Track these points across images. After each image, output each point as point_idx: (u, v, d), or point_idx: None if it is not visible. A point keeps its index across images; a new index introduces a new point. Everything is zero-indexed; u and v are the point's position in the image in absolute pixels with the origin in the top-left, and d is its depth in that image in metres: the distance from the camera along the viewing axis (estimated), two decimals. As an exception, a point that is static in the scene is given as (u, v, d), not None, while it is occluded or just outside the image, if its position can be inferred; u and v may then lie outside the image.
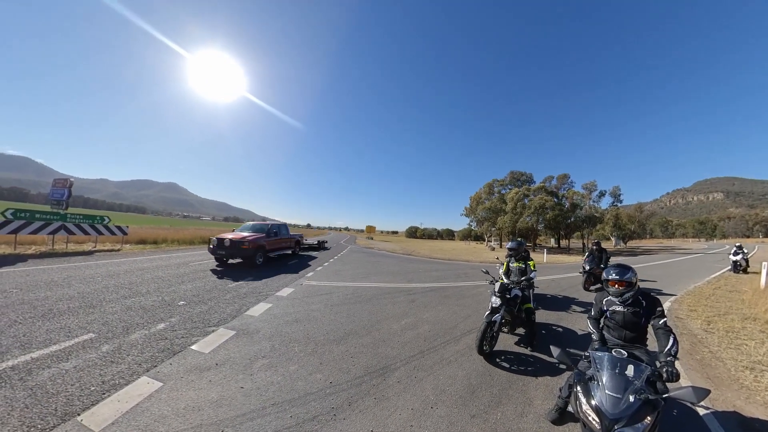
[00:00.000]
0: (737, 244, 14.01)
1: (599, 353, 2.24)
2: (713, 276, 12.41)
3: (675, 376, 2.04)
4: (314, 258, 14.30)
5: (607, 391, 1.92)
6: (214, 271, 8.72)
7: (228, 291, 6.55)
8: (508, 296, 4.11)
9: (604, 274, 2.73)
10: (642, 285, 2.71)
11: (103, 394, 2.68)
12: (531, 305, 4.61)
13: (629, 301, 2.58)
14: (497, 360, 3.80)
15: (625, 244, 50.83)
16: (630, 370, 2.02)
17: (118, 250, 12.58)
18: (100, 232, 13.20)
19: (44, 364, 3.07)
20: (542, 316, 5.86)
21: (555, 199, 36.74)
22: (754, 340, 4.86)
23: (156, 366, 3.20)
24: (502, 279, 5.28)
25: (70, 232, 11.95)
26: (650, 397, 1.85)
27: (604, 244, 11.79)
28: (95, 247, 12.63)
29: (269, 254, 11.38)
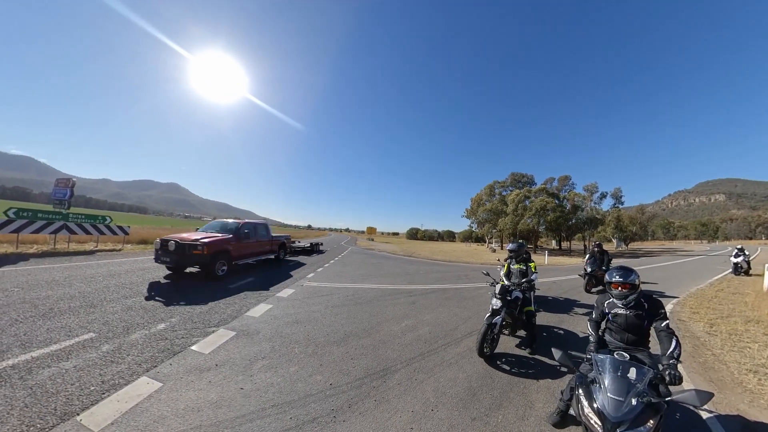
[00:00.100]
0: (738, 246, 13.91)
1: (601, 356, 2.23)
2: (716, 278, 12.33)
3: (678, 379, 2.02)
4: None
5: (609, 394, 1.91)
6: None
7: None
8: (509, 298, 4.09)
9: (606, 277, 2.71)
10: (643, 287, 2.70)
11: (103, 394, 2.68)
12: (532, 307, 4.59)
13: (632, 304, 2.57)
14: (498, 362, 3.78)
15: (627, 245, 50.65)
16: (632, 373, 2.00)
17: (120, 250, 12.61)
18: (101, 232, 13.23)
19: (44, 364, 3.06)
20: (543, 318, 5.83)
21: (556, 201, 36.65)
22: (757, 342, 4.83)
23: (156, 366, 3.20)
24: (502, 281, 5.27)
25: (71, 232, 11.99)
26: (653, 400, 1.83)
27: (606, 246, 11.74)
28: (97, 246, 12.66)
29: (237, 261, 8.98)
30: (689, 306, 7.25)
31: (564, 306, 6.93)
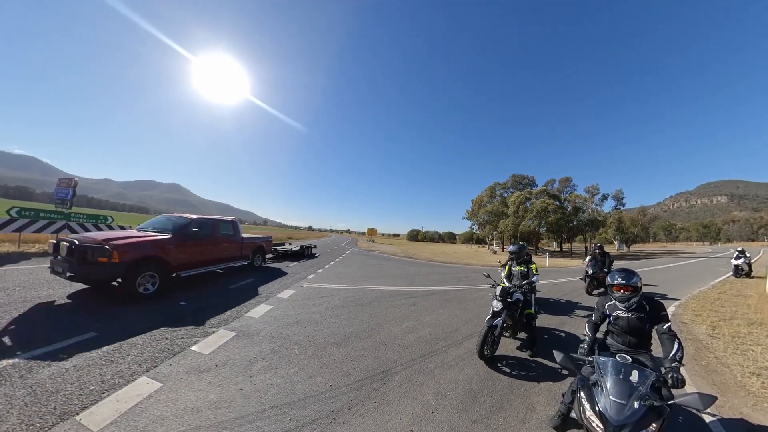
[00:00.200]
0: (739, 248, 13.80)
1: (603, 358, 2.21)
2: (718, 280, 12.26)
3: (680, 383, 2.00)
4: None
5: (611, 397, 1.89)
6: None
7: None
8: (510, 300, 4.08)
9: (608, 279, 2.70)
10: (644, 289, 2.69)
11: (103, 393, 2.67)
12: (533, 310, 4.57)
13: (634, 307, 2.55)
14: (499, 365, 3.76)
15: (628, 247, 50.46)
16: (634, 376, 1.99)
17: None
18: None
19: (45, 363, 3.07)
20: (545, 320, 5.80)
21: (557, 203, 36.56)
22: (760, 345, 4.79)
23: (156, 366, 3.19)
24: (503, 283, 5.25)
25: (73, 231, 12.03)
26: (655, 403, 1.82)
27: (607, 248, 11.68)
28: (98, 247, 12.70)
29: (181, 272, 6.46)
30: (691, 308, 7.21)
31: (565, 308, 6.90)
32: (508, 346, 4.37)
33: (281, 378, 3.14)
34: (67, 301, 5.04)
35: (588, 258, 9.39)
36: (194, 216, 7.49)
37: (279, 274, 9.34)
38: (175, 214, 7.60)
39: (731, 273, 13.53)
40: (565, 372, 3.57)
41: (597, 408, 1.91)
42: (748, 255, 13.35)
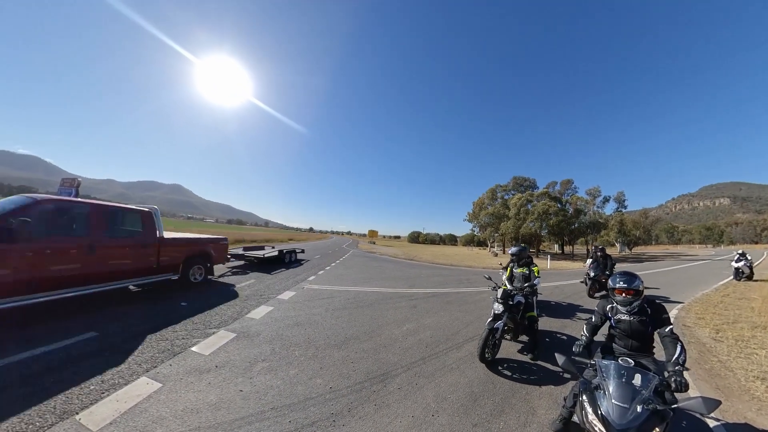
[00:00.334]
0: (740, 251, 13.62)
1: (605, 361, 2.19)
2: (721, 283, 12.16)
3: (684, 386, 1.98)
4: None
5: (613, 401, 1.87)
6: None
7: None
8: (511, 303, 4.05)
9: (610, 282, 2.68)
10: (645, 292, 2.67)
11: (102, 393, 2.67)
12: (534, 312, 4.55)
13: (636, 310, 2.53)
14: (500, 368, 3.73)
15: (630, 250, 50.21)
16: (637, 380, 1.97)
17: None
18: (104, 233, 13.32)
19: (45, 362, 3.07)
20: (546, 323, 5.77)
21: (558, 205, 36.46)
22: (764, 349, 4.74)
23: (156, 367, 3.19)
24: (505, 285, 5.22)
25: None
26: (658, 407, 1.80)
27: (609, 251, 11.58)
28: (100, 247, 12.75)
29: None
30: (694, 311, 7.15)
31: (567, 311, 6.87)
32: (509, 349, 4.34)
33: (281, 380, 3.13)
34: (68, 301, 4.92)
35: (589, 260, 9.34)
36: (42, 196, 4.53)
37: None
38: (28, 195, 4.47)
39: (732, 276, 13.39)
40: (567, 375, 3.54)
41: (599, 412, 1.89)
42: (749, 258, 13.17)
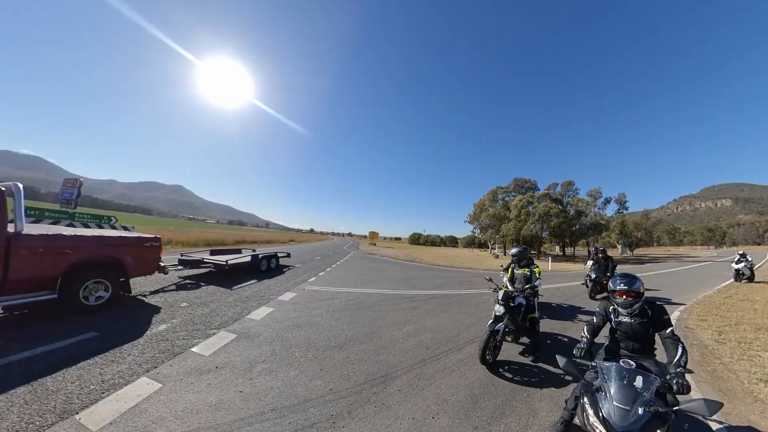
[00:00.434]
0: (740, 252, 13.50)
1: (607, 363, 2.18)
2: (723, 285, 12.08)
3: (685, 388, 1.97)
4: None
5: (615, 403, 1.86)
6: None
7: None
8: (512, 304, 4.04)
9: (610, 285, 2.67)
10: (646, 294, 2.67)
11: (103, 393, 2.68)
12: (535, 314, 4.53)
13: (636, 312, 2.52)
14: (500, 370, 3.71)
15: (632, 251, 50.03)
16: (639, 382, 1.96)
17: (124, 251, 12.70)
18: (105, 233, 13.34)
19: (45, 361, 3.08)
20: (547, 325, 5.75)
21: (559, 207, 36.41)
22: None
23: (156, 367, 3.19)
24: (506, 287, 5.21)
25: (76, 233, 12.12)
26: (660, 409, 1.79)
27: (611, 252, 11.50)
28: (101, 248, 12.76)
29: None
30: (697, 313, 7.11)
31: (568, 313, 6.84)
32: (510, 351, 4.32)
33: (281, 381, 3.12)
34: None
35: (590, 262, 9.31)
36: None
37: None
38: None
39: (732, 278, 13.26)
40: (568, 377, 3.53)
41: (601, 414, 1.88)
42: (749, 259, 13.05)
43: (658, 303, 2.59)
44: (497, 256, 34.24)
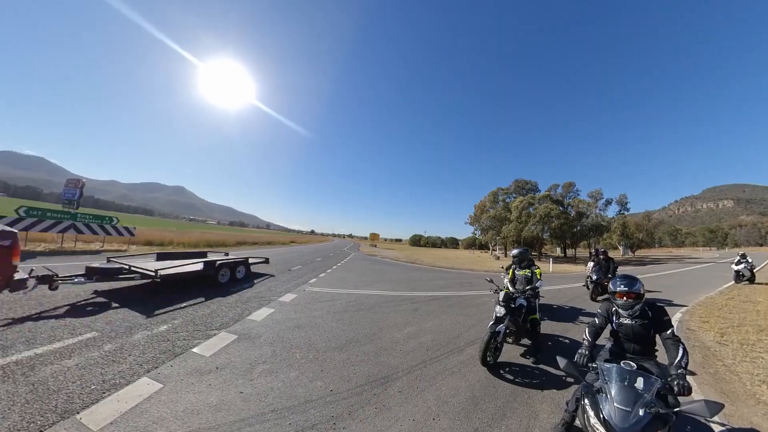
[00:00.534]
0: (741, 253, 13.41)
1: (608, 365, 2.18)
2: (725, 286, 12.03)
3: (687, 390, 1.96)
4: None
5: (616, 405, 1.86)
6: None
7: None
8: (513, 306, 4.04)
9: (611, 286, 2.67)
10: (647, 295, 2.66)
11: (103, 393, 2.68)
12: (536, 315, 4.52)
13: (637, 313, 2.52)
14: (501, 371, 3.71)
15: (633, 253, 49.87)
16: (639, 383, 1.95)
17: (125, 250, 12.75)
18: (108, 232, 13.42)
19: (47, 361, 3.09)
20: (548, 326, 5.73)
21: (560, 208, 36.36)
22: (770, 354, 4.69)
23: (157, 367, 3.20)
24: (507, 288, 5.20)
25: (79, 231, 12.18)
26: (661, 410, 1.78)
27: (612, 254, 11.45)
28: (102, 246, 12.83)
29: None
30: (698, 315, 7.08)
31: (569, 314, 6.82)
32: (511, 353, 4.31)
33: (282, 382, 3.12)
34: (70, 300, 5.11)
35: (591, 264, 9.28)
36: None
37: None
38: None
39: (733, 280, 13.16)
40: (569, 379, 3.52)
41: (601, 415, 1.88)
42: (749, 260, 12.95)
43: (658, 304, 2.58)
44: (498, 258, 34.19)
